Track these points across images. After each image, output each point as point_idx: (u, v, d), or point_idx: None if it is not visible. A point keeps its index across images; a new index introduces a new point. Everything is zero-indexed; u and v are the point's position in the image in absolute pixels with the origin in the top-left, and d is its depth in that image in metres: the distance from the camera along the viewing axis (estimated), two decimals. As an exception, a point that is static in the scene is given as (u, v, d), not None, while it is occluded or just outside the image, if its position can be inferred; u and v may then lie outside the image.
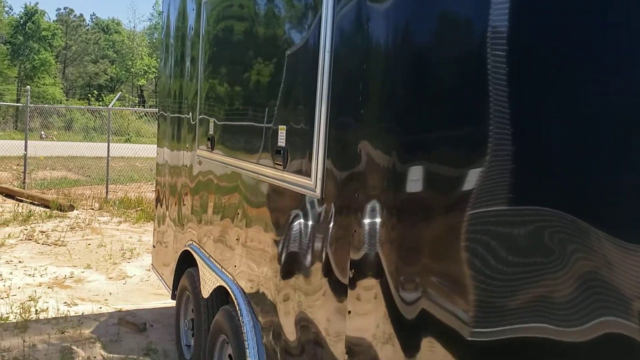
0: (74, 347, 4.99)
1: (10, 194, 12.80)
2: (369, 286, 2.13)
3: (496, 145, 1.61)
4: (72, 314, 5.82)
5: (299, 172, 2.69)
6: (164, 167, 5.58)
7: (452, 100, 1.80)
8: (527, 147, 1.57)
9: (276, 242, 2.99)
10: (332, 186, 2.42)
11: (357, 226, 2.21)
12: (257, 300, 3.26)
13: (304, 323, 2.68)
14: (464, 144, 1.73)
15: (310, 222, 2.62)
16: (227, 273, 3.69)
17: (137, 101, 55.29)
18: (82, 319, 5.66)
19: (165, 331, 5.52)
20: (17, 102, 33.48)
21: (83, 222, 10.44)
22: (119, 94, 18.59)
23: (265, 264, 3.12)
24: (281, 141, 2.89)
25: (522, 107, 1.57)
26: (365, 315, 2.17)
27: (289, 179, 2.80)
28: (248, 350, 3.21)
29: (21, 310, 5.70)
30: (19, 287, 6.57)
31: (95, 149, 19.57)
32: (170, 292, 5.05)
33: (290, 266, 2.83)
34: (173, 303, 6.34)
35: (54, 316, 5.72)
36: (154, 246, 6.05)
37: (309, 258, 2.62)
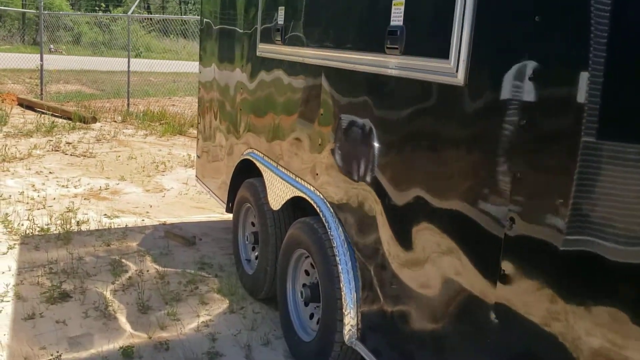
0: (124, 260, 4.72)
1: (30, 106, 12.37)
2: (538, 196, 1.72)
3: None
4: (115, 226, 5.53)
5: (426, 54, 2.25)
6: (210, 77, 5.10)
7: None
8: None
9: (381, 145, 2.59)
10: (485, 69, 1.98)
11: (525, 119, 1.79)
12: (348, 213, 2.89)
13: (419, 241, 2.31)
14: None
15: (442, 117, 2.19)
16: (305, 183, 3.32)
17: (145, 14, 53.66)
18: (126, 231, 5.38)
19: (216, 245, 5.24)
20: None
21: (108, 134, 10.06)
22: (136, 1, 17.69)
23: (364, 172, 2.72)
24: (396, 19, 2.42)
25: None
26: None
27: (409, 65, 2.35)
28: (340, 266, 2.88)
29: (62, 221, 5.41)
30: (54, 198, 6.27)
31: (106, 63, 18.93)
32: (225, 205, 4.72)
33: (404, 172, 2.43)
34: (219, 217, 6.07)
35: (96, 228, 5.44)
36: (198, 156, 5.68)
37: (438, 161, 2.22)
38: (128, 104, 12.76)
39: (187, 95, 16.02)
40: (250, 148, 4.21)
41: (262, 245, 3.98)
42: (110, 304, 3.97)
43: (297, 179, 3.43)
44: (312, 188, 3.24)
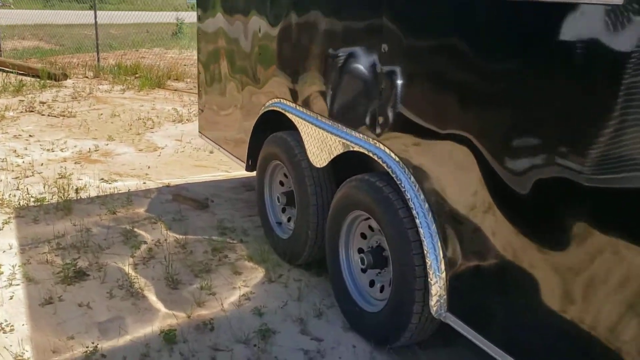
0: (136, 230, 4.28)
1: (-11, 64, 11.49)
2: None
3: None
4: (116, 191, 5.06)
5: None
6: (216, 24, 4.56)
7: None
8: None
9: (478, 86, 2.19)
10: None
11: None
12: (426, 169, 2.51)
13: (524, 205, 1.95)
14: None
15: (577, 39, 1.80)
16: (362, 135, 2.91)
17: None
18: (130, 197, 4.91)
19: (231, 206, 4.82)
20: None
21: (84, 92, 9.37)
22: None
23: (452, 120, 2.33)
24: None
25: None
26: None
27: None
28: (422, 230, 2.51)
29: (57, 189, 4.90)
30: (42, 164, 5.72)
31: (59, 16, 17.78)
32: (245, 163, 4.29)
33: (516, 118, 2.05)
34: (224, 175, 5.64)
35: (96, 195, 4.95)
36: (201, 110, 5.19)
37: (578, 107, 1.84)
38: (98, 59, 11.96)
39: (155, 47, 15.22)
40: (277, 98, 3.76)
41: (300, 207, 3.59)
42: (135, 280, 3.56)
43: (350, 131, 3.02)
44: (372, 141, 2.83)
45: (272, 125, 3.99)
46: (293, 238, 3.71)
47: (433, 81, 2.44)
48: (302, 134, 3.47)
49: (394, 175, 2.67)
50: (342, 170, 3.29)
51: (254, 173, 4.26)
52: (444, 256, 2.46)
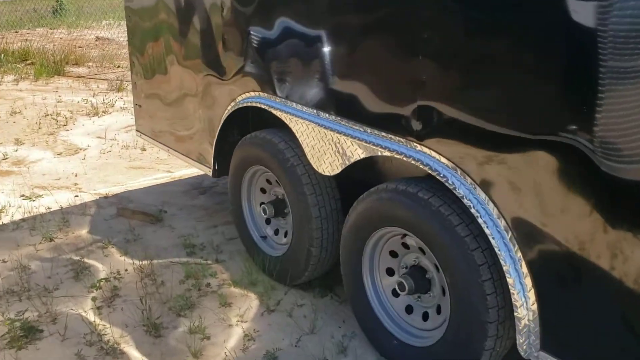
0: (86, 260, 3.53)
1: None
2: None
3: None
4: (45, 210, 4.23)
5: None
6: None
7: None
8: None
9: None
10: None
11: None
12: (497, 180, 2.04)
13: None
14: None
15: None
16: (394, 137, 2.39)
17: None
18: (65, 216, 4.11)
19: (189, 216, 4.16)
20: None
21: (-33, 86, 8.13)
22: None
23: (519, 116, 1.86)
24: None
25: None
26: None
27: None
28: (503, 255, 2.05)
29: (-31, 216, 4.02)
30: (-61, 183, 4.74)
31: None
32: (210, 169, 3.64)
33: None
34: (168, 177, 4.92)
35: (21, 217, 4.11)
36: (139, 106, 4.43)
37: None
38: (-24, 44, 10.50)
39: (38, 27, 13.69)
40: (254, 92, 3.14)
41: (297, 220, 3.02)
42: (105, 331, 2.86)
43: (367, 130, 2.48)
44: (413, 144, 2.31)
45: (243, 123, 3.38)
46: (290, 255, 3.14)
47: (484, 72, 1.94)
48: (299, 135, 2.88)
49: (451, 186, 2.17)
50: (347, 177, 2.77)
51: (205, 173, 3.66)
52: (535, 284, 2.01)
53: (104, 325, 2.91)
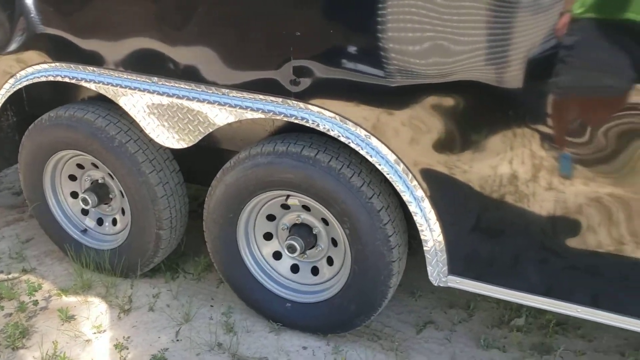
0: None
1: None
2: None
3: None
4: None
5: None
6: None
7: None
8: None
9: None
10: None
11: None
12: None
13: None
14: None
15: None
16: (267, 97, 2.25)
17: None
18: None
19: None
20: None
21: None
22: None
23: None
24: None
25: None
26: None
27: None
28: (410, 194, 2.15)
29: None
30: None
31: None
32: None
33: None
34: None
35: None
36: None
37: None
38: None
39: None
40: (46, 63, 2.59)
41: (136, 203, 2.65)
42: None
43: (247, 95, 2.28)
44: (295, 103, 2.20)
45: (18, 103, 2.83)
46: (131, 244, 2.77)
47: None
48: (130, 109, 2.49)
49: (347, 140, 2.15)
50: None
51: None
52: (439, 217, 2.15)
53: None
